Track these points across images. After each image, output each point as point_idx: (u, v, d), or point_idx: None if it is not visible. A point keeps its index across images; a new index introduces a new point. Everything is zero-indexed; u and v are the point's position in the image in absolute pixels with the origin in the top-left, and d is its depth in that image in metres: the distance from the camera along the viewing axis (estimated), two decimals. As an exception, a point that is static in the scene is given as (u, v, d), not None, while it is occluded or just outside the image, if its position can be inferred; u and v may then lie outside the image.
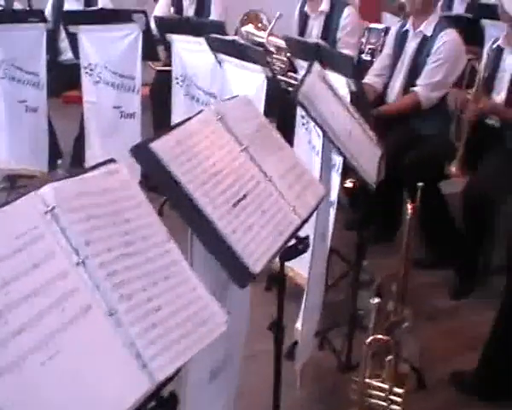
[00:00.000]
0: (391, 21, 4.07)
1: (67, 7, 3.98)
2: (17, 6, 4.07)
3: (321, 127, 1.77)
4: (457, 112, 2.81)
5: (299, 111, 2.57)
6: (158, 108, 3.87)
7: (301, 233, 1.50)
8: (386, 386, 1.89)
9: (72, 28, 3.36)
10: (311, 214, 1.53)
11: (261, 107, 2.52)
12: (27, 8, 4.10)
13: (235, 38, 3.11)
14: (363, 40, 3.88)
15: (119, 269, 0.97)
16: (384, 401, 1.88)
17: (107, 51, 3.36)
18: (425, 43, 3.10)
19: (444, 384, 2.27)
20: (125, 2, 4.17)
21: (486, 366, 2.15)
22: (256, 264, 1.22)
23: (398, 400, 1.88)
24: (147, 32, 3.32)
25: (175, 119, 3.37)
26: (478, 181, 2.74)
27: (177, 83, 3.38)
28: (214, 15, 3.90)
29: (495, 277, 2.91)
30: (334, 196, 2.31)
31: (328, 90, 1.90)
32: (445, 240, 3.00)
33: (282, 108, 2.87)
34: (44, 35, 3.39)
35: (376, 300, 1.85)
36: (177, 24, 3.49)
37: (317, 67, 1.91)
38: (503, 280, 2.15)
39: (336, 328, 2.43)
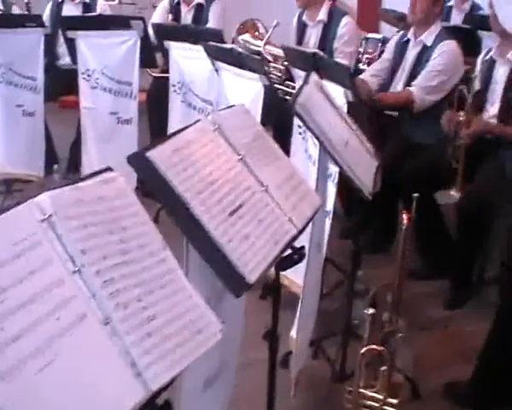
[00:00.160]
0: (389, 32, 4.10)
1: (66, 12, 4.00)
2: (15, 10, 4.09)
3: (317, 138, 1.78)
4: (452, 133, 2.82)
5: (296, 120, 2.58)
6: (154, 114, 3.89)
7: (297, 243, 1.51)
8: (380, 396, 1.89)
9: (70, 33, 3.37)
10: (306, 224, 1.54)
11: (258, 115, 2.53)
12: (25, 13, 4.11)
13: (233, 46, 3.12)
14: (361, 50, 3.91)
15: (115, 277, 0.98)
16: (378, 411, 1.89)
17: (104, 57, 3.37)
18: (425, 52, 3.13)
19: (438, 395, 2.27)
20: (123, 8, 4.20)
21: (481, 376, 2.16)
22: (252, 273, 1.23)
23: (392, 410, 1.89)
24: (145, 38, 3.34)
25: (172, 125, 3.39)
26: (474, 192, 2.76)
27: (175, 90, 3.40)
28: (212, 23, 3.92)
29: (490, 287, 2.93)
30: (329, 205, 2.32)
31: (325, 100, 1.91)
32: (439, 250, 3.01)
33: (278, 116, 2.89)
34: (42, 40, 3.40)
35: (371, 310, 1.86)
36: (174, 31, 3.51)
37: (314, 77, 1.92)
38: (498, 290, 2.17)
39: (331, 337, 2.44)
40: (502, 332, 2.07)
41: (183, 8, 4.02)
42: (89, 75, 3.39)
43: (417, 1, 3.10)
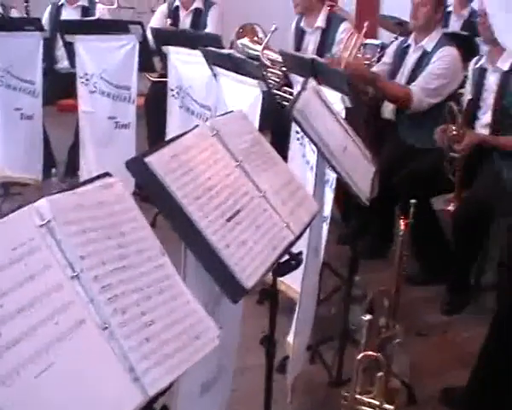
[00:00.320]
0: (387, 38, 4.12)
1: (65, 16, 4.01)
2: (14, 14, 4.09)
3: (315, 144, 1.79)
4: (446, 147, 2.82)
5: (294, 126, 2.59)
6: (152, 118, 3.89)
7: (294, 249, 1.52)
8: (376, 402, 1.90)
9: (68, 37, 3.38)
10: (304, 230, 1.55)
11: (256, 121, 2.54)
12: (24, 17, 4.12)
13: (232, 51, 3.14)
14: (359, 55, 3.92)
15: (113, 283, 0.98)
16: (374, 416, 1.89)
17: (103, 61, 3.38)
18: (425, 57, 3.15)
19: (435, 400, 2.27)
20: (122, 13, 4.21)
21: (477, 382, 2.16)
22: (249, 279, 1.24)
23: (389, 416, 1.89)
24: (143, 43, 3.35)
25: (170, 130, 3.39)
26: (472, 198, 2.77)
27: (173, 95, 3.41)
28: (210, 28, 3.94)
29: (487, 293, 2.94)
30: (327, 211, 2.33)
31: (323, 106, 1.92)
32: (436, 256, 3.03)
33: (276, 121, 2.90)
34: (41, 43, 3.41)
35: (368, 315, 1.87)
36: (173, 36, 3.52)
37: (312, 82, 1.93)
38: (495, 296, 2.17)
39: (328, 342, 2.44)
40: (498, 336, 2.08)
41: (182, 13, 4.04)
42: (87, 79, 3.40)
43: (419, 7, 3.11)
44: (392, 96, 3.17)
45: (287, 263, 1.50)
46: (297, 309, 2.06)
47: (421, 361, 2.46)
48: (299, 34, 3.73)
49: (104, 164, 3.25)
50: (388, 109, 3.38)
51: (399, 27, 3.96)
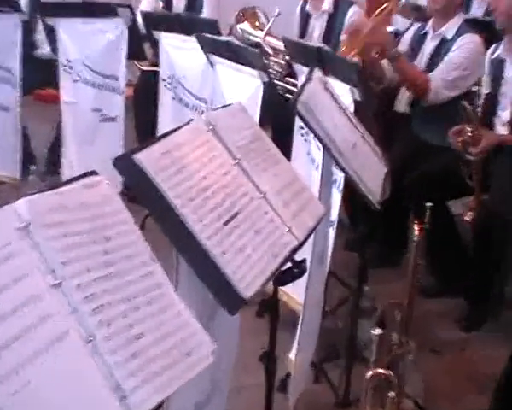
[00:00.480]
0: (402, 24, 4.11)
1: (46, -4, 4.01)
2: (-11, -6, 4.09)
3: (321, 140, 1.79)
4: (461, 150, 2.81)
5: (298, 120, 2.60)
6: (142, 111, 3.90)
7: (297, 256, 1.52)
8: (387, 425, 1.90)
9: (50, 20, 3.37)
10: (308, 235, 1.55)
11: (256, 115, 2.54)
12: (0, -4, 4.11)
13: (230, 38, 3.14)
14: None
15: (98, 292, 0.98)
16: (385, 441, 1.90)
17: (87, 47, 3.38)
18: (444, 45, 3.15)
19: (450, 425, 2.28)
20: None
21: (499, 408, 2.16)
22: (247, 288, 1.24)
23: (400, 441, 1.90)
24: (132, 27, 3.35)
25: (161, 124, 3.39)
26: (492, 200, 2.77)
27: (165, 85, 3.41)
28: (207, 12, 3.94)
29: (509, 307, 2.94)
30: (334, 215, 2.33)
31: (330, 99, 1.93)
32: (454, 265, 3.02)
33: (278, 116, 2.90)
34: (19, 26, 3.39)
35: (378, 330, 1.87)
36: (165, 20, 3.51)
37: (318, 73, 1.94)
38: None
39: (334, 359, 2.45)
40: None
41: (176, -5, 4.04)
42: (70, 67, 3.40)
43: None
44: (410, 81, 3.16)
45: (289, 271, 1.51)
46: (300, 322, 2.06)
47: (435, 381, 2.46)
48: (305, 19, 3.73)
49: (88, 161, 3.25)
50: (403, 102, 3.38)
51: (416, 12, 3.96)
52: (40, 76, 3.79)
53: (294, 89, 3.00)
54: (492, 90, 2.92)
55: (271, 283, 1.53)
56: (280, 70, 3.36)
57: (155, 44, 3.48)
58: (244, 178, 1.42)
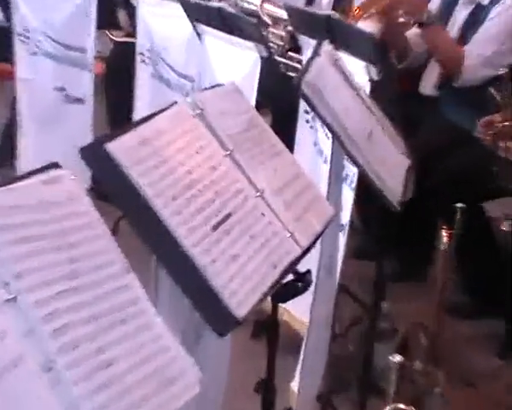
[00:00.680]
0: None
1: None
2: None
3: (330, 128, 1.80)
4: (492, 145, 2.79)
5: (303, 104, 2.60)
6: (115, 91, 3.90)
7: (301, 266, 1.52)
8: None
9: (3, -19, 3.38)
10: (314, 242, 1.55)
11: (253, 96, 2.54)
12: None
13: (222, 4, 3.14)
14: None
15: (60, 309, 0.98)
16: None
17: (49, 13, 3.38)
18: (479, 13, 3.15)
19: None
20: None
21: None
22: (241, 305, 1.24)
23: None
24: (104, -10, 3.36)
25: (138, 107, 3.40)
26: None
27: (143, 60, 3.41)
28: (194, -29, 3.94)
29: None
30: (345, 217, 2.33)
31: (341, 78, 1.93)
32: (490, 279, 3.03)
33: (279, 98, 2.90)
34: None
35: (398, 357, 1.87)
36: (144, -19, 3.52)
37: (327, 47, 1.95)
38: None
39: (344, 391, 2.45)
40: None
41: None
42: (27, 37, 3.40)
43: None
44: (442, 53, 3.16)
45: (291, 285, 1.51)
46: (304, 346, 2.07)
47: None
48: (311, -18, 3.74)
49: (49, 151, 3.25)
50: (430, 82, 3.38)
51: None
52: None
53: (299, 66, 3.01)
54: None
55: (270, 299, 1.53)
56: (281, 43, 3.36)
57: (132, 11, 3.48)
58: (237, 172, 1.42)
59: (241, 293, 1.26)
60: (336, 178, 1.98)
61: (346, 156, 1.94)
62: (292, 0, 3.32)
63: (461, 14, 3.24)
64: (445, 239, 2.04)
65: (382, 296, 2.36)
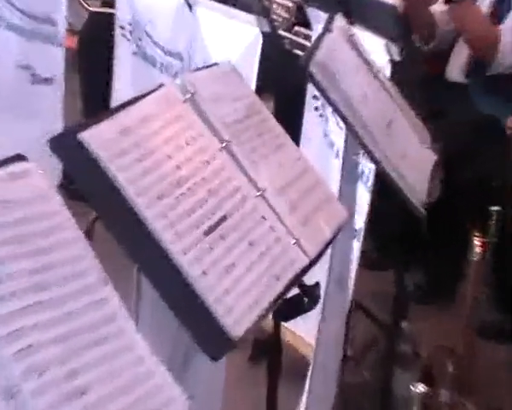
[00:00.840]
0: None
1: None
2: None
3: (343, 116, 1.80)
4: None
5: (311, 88, 2.60)
6: (90, 71, 3.90)
7: (307, 278, 1.53)
8: None
9: None
10: (323, 250, 1.56)
11: (253, 79, 2.55)
12: None
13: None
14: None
15: (25, 326, 0.98)
16: None
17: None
18: None
19: None
20: None
21: None
22: (237, 324, 1.24)
23: None
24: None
25: (118, 90, 3.40)
26: None
27: (123, 34, 3.41)
28: None
29: None
30: (360, 222, 2.33)
31: (356, 57, 1.93)
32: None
33: (283, 80, 2.90)
34: None
35: (422, 385, 1.88)
36: None
37: (340, 21, 1.95)
38: None
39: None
40: None
41: None
42: (-16, 6, 3.40)
43: None
44: (472, 32, 3.16)
45: (296, 301, 1.51)
46: (310, 372, 2.07)
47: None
48: None
49: (13, 140, 3.25)
50: (457, 67, 3.38)
51: None
52: None
53: (307, 43, 3.01)
54: None
55: (271, 316, 1.53)
56: (287, 16, 3.37)
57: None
58: (235, 168, 1.42)
59: (237, 309, 1.26)
60: (350, 175, 1.98)
61: (361, 150, 1.94)
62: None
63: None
64: (477, 248, 2.04)
65: (403, 315, 2.36)
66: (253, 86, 2.43)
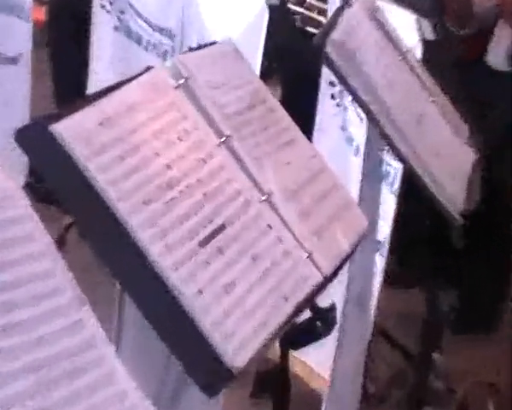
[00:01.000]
0: None
1: None
2: None
3: (365, 106, 1.81)
4: None
5: (326, 72, 2.61)
6: (63, 50, 3.90)
7: (321, 299, 1.53)
8: None
9: None
10: (341, 266, 1.56)
11: (257, 61, 2.55)
12: None
13: None
14: None
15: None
16: None
17: None
18: None
19: None
20: None
21: None
22: (238, 353, 1.25)
23: None
24: None
25: (97, 73, 3.40)
26: None
27: (103, 5, 3.42)
28: None
29: None
30: (384, 232, 2.34)
31: (382, 36, 1.94)
32: None
33: (293, 63, 2.90)
34: None
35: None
36: None
37: (362, -7, 1.96)
38: None
39: None
40: None
41: None
42: None
43: None
44: None
45: (307, 326, 1.52)
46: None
47: None
48: None
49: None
50: (499, 53, 3.39)
51: None
52: None
53: (322, 19, 3.02)
54: None
55: (278, 344, 1.54)
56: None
57: None
58: (236, 167, 1.43)
59: (238, 335, 1.27)
60: (372, 176, 1.99)
61: (385, 146, 1.95)
62: None
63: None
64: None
65: (435, 345, 2.37)
66: (258, 70, 2.43)
